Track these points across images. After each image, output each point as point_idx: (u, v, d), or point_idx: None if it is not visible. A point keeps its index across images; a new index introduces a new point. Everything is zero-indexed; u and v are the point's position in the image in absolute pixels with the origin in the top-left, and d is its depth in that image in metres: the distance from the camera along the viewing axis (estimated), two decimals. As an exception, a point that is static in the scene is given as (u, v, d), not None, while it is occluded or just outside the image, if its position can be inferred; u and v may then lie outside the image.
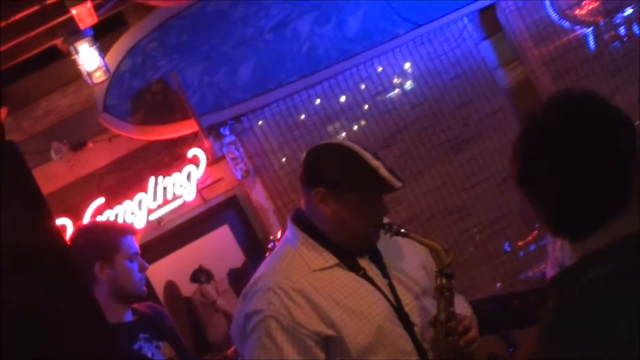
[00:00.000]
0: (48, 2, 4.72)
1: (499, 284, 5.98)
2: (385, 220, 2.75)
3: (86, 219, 5.63)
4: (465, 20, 6.18)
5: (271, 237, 5.08)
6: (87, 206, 5.71)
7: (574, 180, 1.64)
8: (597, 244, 1.64)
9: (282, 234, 4.70)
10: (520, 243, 6.16)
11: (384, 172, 2.66)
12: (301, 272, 2.72)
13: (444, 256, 2.71)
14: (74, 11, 4.49)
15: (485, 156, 6.22)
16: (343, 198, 2.70)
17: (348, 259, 2.77)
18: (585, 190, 1.64)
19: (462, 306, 2.85)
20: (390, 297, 2.74)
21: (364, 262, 2.78)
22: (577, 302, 1.63)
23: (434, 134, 6.17)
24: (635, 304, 1.56)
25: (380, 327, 2.68)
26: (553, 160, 1.66)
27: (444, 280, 2.69)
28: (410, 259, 2.87)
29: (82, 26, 4.82)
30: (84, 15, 4.57)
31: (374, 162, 2.68)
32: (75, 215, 5.60)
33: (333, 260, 2.75)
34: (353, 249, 2.78)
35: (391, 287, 2.77)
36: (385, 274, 2.79)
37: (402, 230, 2.72)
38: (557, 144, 1.66)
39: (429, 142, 6.17)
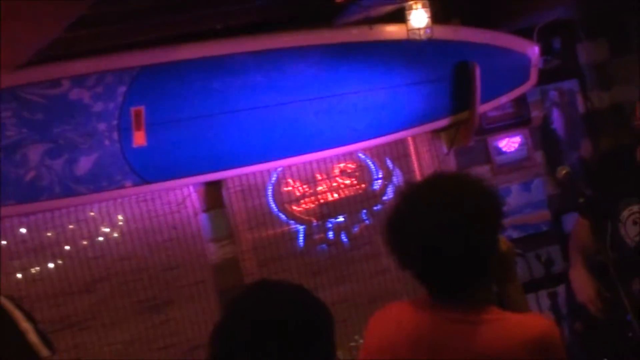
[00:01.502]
0: None
1: None
2: None
3: None
4: (192, 188, 6.31)
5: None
6: None
7: None
8: None
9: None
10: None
11: (32, 337, 2.58)
12: None
13: None
14: None
15: (178, 322, 6.28)
16: None
17: None
18: None
19: None
20: None
21: None
22: None
23: (134, 290, 6.18)
24: None
25: None
26: (246, 349, 1.67)
27: None
28: None
29: None
30: None
31: (24, 325, 2.59)
32: None
33: None
34: None
35: None
36: None
37: None
38: (250, 335, 1.68)
39: (128, 297, 6.15)
